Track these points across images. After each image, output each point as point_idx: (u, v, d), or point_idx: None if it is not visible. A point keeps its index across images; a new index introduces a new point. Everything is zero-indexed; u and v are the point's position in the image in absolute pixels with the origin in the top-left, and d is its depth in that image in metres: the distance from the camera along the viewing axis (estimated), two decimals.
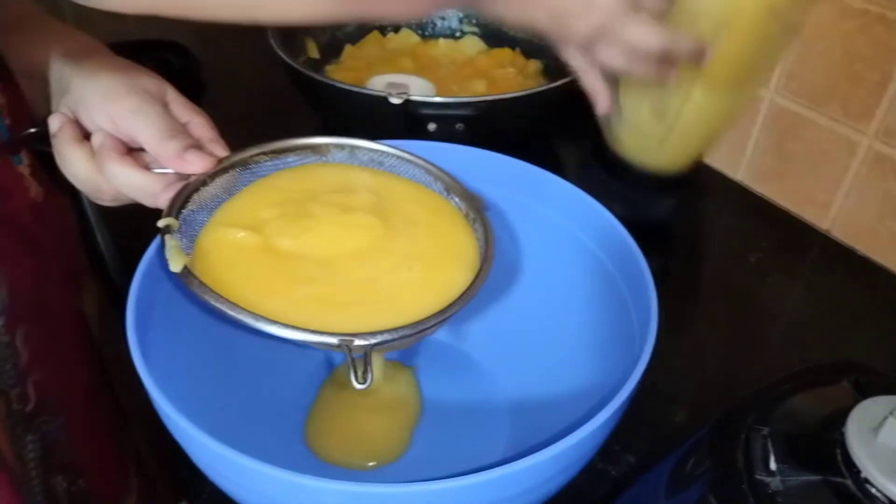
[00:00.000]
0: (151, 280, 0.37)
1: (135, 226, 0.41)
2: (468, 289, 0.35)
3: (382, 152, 0.42)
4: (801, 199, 0.65)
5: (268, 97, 0.77)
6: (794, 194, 0.65)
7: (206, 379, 0.40)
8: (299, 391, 0.47)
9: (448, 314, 0.34)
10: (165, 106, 0.39)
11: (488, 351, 0.49)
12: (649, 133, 0.56)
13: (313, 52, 0.77)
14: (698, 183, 0.69)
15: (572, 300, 0.45)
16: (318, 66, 0.76)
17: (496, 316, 0.48)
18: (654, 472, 0.32)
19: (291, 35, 0.73)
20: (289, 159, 0.41)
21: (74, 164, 0.37)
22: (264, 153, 0.40)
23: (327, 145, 0.42)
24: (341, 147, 0.42)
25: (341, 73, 0.75)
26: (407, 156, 0.42)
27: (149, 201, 0.37)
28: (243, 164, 0.39)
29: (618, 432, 0.34)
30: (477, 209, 0.39)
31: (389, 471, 0.43)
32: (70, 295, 0.41)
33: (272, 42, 0.67)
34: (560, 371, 0.44)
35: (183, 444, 0.33)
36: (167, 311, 0.39)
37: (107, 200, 0.39)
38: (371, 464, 0.43)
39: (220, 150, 0.39)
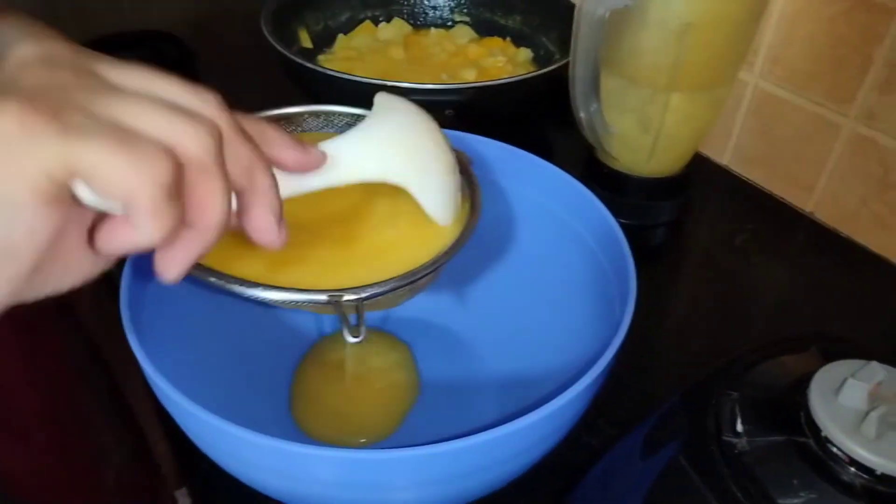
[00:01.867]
0: (145, 262, 0.38)
1: None
2: (457, 240, 0.35)
3: (359, 116, 0.41)
4: (786, 182, 0.66)
5: (262, 87, 0.78)
6: (779, 177, 0.66)
7: (200, 355, 0.41)
8: (293, 365, 0.48)
9: (438, 264, 0.34)
10: None
11: (474, 328, 0.50)
12: (638, 145, 0.58)
13: (306, 41, 0.78)
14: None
15: (556, 277, 0.46)
16: (310, 55, 0.77)
17: (481, 293, 0.49)
18: (630, 436, 0.33)
19: (284, 25, 0.74)
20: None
21: None
22: None
23: (301, 114, 0.42)
24: (316, 115, 0.42)
25: (334, 63, 0.76)
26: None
27: None
28: None
29: (602, 407, 0.36)
30: (463, 163, 0.39)
31: (378, 445, 0.44)
32: (29, 323, 0.40)
33: (265, 32, 0.68)
34: (545, 348, 0.45)
35: (178, 419, 0.34)
36: (161, 296, 0.40)
37: None
38: (362, 440, 0.44)
39: None
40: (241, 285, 0.32)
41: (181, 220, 0.23)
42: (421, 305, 0.51)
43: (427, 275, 0.34)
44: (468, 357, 0.49)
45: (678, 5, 0.50)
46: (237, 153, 0.25)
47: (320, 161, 0.29)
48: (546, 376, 0.44)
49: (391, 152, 0.32)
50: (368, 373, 0.46)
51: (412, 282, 0.33)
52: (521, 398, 0.43)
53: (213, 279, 0.32)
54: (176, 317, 0.40)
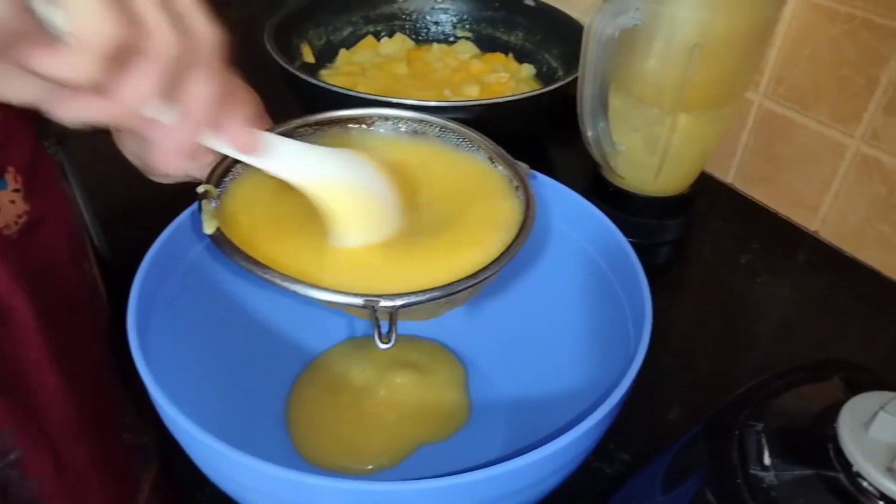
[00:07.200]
0: (152, 283, 0.38)
1: (130, 231, 0.41)
2: (502, 255, 0.35)
3: (426, 122, 0.42)
4: (791, 201, 0.66)
5: (264, 101, 0.77)
6: (784, 196, 0.66)
7: (205, 380, 0.40)
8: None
9: (481, 278, 0.33)
10: None
11: (484, 351, 0.49)
12: (645, 163, 0.58)
13: (309, 56, 0.77)
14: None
15: (567, 300, 0.45)
16: (313, 70, 0.76)
17: (492, 316, 0.49)
18: (649, 468, 0.32)
19: (287, 40, 0.73)
20: (332, 131, 0.42)
21: (128, 139, 0.37)
22: (307, 125, 0.41)
23: (371, 116, 0.42)
24: (385, 118, 0.42)
25: (336, 78, 0.75)
26: (451, 125, 0.42)
27: (198, 173, 0.37)
28: (286, 136, 0.39)
29: (612, 431, 0.35)
30: (521, 177, 0.39)
31: (385, 470, 0.43)
32: (45, 339, 0.39)
33: (268, 46, 0.67)
34: (555, 371, 0.44)
35: (185, 445, 0.33)
36: (167, 315, 0.39)
37: (159, 175, 0.39)
38: (369, 467, 0.43)
39: (262, 125, 0.39)
40: (283, 280, 0.32)
41: (100, 82, 0.25)
42: (429, 328, 0.50)
43: (467, 288, 0.33)
44: (476, 378, 0.48)
45: (687, 25, 0.50)
46: (191, 83, 0.28)
47: (253, 149, 0.33)
48: (555, 399, 0.43)
49: (322, 170, 0.35)
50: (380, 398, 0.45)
51: (451, 294, 0.33)
52: (530, 422, 0.43)
53: (259, 271, 0.32)
54: (182, 342, 0.40)
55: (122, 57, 0.25)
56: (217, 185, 0.36)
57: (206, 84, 0.29)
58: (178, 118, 0.29)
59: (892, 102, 0.56)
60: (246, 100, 0.40)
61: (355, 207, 0.36)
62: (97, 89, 0.26)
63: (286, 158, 0.34)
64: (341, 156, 0.37)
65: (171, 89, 0.28)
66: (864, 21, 0.55)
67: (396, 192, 0.38)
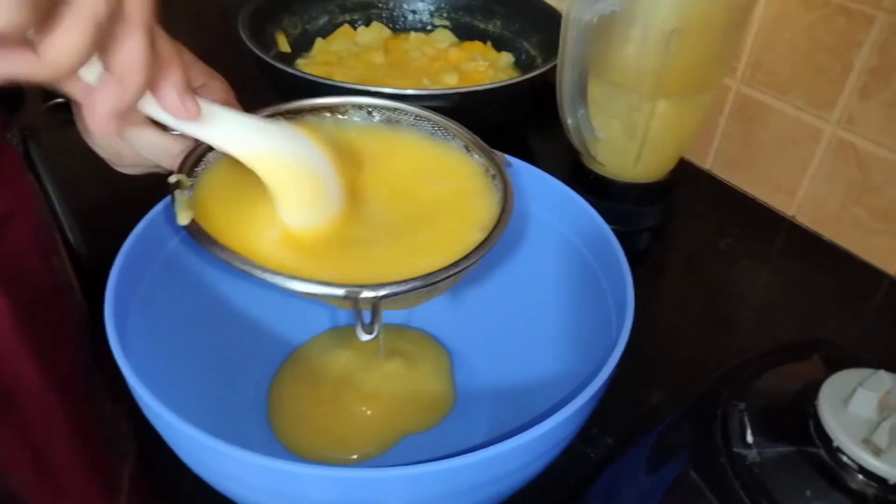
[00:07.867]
0: (128, 276, 0.37)
1: (104, 225, 0.41)
2: (483, 243, 0.34)
3: (400, 110, 0.42)
4: (768, 186, 0.66)
5: (238, 91, 0.76)
6: (762, 182, 0.67)
7: (185, 373, 0.40)
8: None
9: (462, 267, 0.33)
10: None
11: (468, 339, 0.49)
12: (624, 150, 0.58)
13: (284, 45, 0.76)
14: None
15: (550, 287, 0.45)
16: (289, 60, 0.75)
17: (476, 304, 0.49)
18: (633, 450, 0.32)
19: (261, 29, 0.72)
20: (304, 121, 0.41)
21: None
22: (279, 113, 0.40)
23: (344, 105, 0.42)
24: (358, 107, 0.42)
25: (313, 67, 0.74)
26: (426, 113, 0.42)
27: (168, 162, 0.36)
28: None
29: (596, 415, 0.35)
30: (497, 165, 0.39)
31: (371, 460, 0.43)
32: (19, 332, 0.39)
33: (243, 36, 0.66)
34: (539, 358, 0.45)
35: (167, 437, 0.32)
36: (145, 309, 0.38)
37: (127, 166, 0.38)
38: (353, 457, 0.43)
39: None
40: (263, 271, 0.31)
41: (27, 30, 0.24)
42: (414, 316, 0.50)
43: (448, 277, 0.33)
44: (460, 366, 0.48)
45: (664, 11, 0.50)
46: (122, 41, 0.27)
47: (188, 115, 0.31)
48: (539, 386, 0.43)
49: (260, 142, 0.34)
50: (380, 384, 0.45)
51: (433, 283, 0.33)
52: (514, 409, 0.43)
53: (238, 263, 0.32)
54: (161, 335, 0.39)
55: (49, 8, 0.24)
56: (189, 175, 0.36)
57: (138, 42, 0.27)
58: (109, 78, 0.28)
59: (866, 87, 0.56)
60: (187, 66, 0.39)
61: (295, 182, 0.35)
62: (27, 43, 0.25)
63: (223, 128, 0.33)
64: (281, 129, 0.36)
65: (102, 47, 0.27)
66: (840, 7, 0.56)
67: (339, 172, 0.37)
